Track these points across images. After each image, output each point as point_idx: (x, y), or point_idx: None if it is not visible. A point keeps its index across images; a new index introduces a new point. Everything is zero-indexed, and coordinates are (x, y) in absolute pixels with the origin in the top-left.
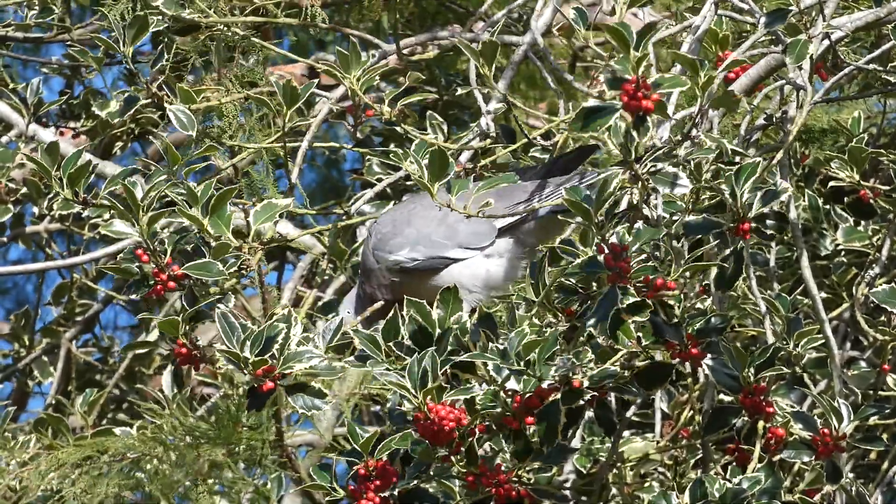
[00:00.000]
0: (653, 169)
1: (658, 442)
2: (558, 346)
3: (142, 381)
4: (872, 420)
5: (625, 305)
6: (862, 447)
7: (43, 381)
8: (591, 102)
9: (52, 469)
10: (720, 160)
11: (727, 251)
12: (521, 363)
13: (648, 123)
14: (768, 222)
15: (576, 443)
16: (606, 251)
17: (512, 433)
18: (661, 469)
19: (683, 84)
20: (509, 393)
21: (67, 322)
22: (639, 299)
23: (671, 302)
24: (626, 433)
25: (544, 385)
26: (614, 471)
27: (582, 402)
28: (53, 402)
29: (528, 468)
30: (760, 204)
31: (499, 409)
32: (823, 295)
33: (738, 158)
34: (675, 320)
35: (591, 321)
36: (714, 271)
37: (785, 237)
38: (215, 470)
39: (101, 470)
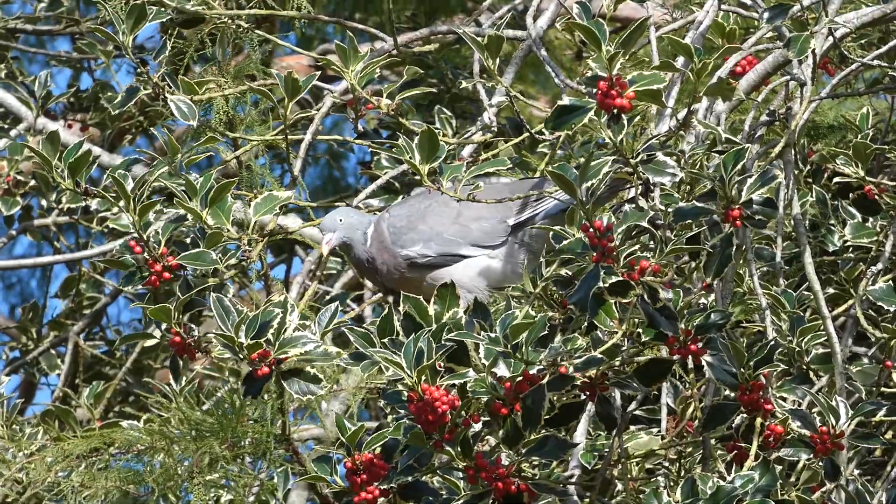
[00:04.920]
0: (645, 158)
1: (663, 437)
2: (547, 332)
3: (149, 374)
4: (879, 416)
5: (607, 284)
6: (861, 445)
7: (50, 373)
8: (566, 100)
9: (59, 461)
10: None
11: (717, 238)
12: (509, 346)
13: (623, 121)
14: (757, 208)
15: (580, 438)
16: (590, 230)
17: (502, 419)
18: (666, 464)
19: (661, 81)
20: (499, 379)
21: (75, 315)
22: (622, 279)
23: (669, 295)
24: (632, 428)
25: (533, 372)
26: (619, 466)
27: (582, 397)
28: (61, 394)
29: (530, 463)
30: (750, 190)
31: (489, 396)
32: (831, 291)
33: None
34: (662, 305)
35: (573, 299)
36: (704, 258)
37: (792, 235)
38: (219, 463)
39: (105, 463)
